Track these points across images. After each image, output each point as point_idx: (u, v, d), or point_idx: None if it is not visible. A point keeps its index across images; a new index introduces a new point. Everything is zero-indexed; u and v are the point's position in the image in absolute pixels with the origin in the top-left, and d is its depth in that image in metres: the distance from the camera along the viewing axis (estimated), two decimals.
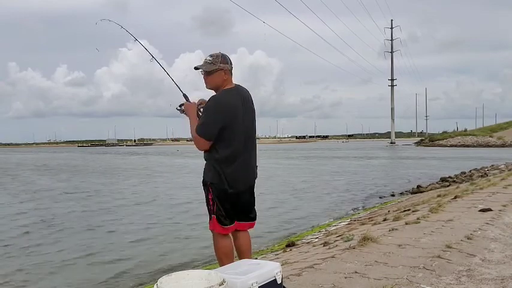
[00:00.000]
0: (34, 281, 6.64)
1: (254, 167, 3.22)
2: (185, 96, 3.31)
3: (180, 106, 3.22)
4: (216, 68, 3.02)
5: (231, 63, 3.11)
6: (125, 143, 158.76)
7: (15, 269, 7.17)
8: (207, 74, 3.06)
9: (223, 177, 3.00)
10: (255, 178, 3.25)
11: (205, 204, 3.13)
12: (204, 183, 3.13)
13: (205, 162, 3.14)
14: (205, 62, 3.05)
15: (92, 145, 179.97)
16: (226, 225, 3.09)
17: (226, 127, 2.97)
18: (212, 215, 3.09)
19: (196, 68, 3.08)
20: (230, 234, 3.17)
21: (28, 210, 13.37)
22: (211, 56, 3.06)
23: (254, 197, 3.27)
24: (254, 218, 3.26)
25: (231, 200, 3.07)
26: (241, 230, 3.21)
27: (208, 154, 3.07)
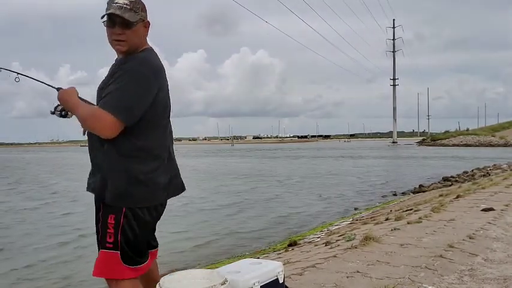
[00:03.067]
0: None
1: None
2: (59, 89, 2.09)
3: (56, 107, 2.08)
4: (139, 19, 1.99)
5: None
6: None
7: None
8: (127, 27, 1.95)
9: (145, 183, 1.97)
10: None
11: (102, 231, 1.99)
12: (103, 198, 1.97)
13: (99, 160, 2.01)
14: (122, 8, 1.94)
15: None
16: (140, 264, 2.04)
17: (155, 105, 1.98)
18: (115, 250, 1.97)
19: (111, 16, 1.94)
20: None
21: None
22: None
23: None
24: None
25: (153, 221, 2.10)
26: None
27: (114, 145, 1.94)
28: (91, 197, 2.06)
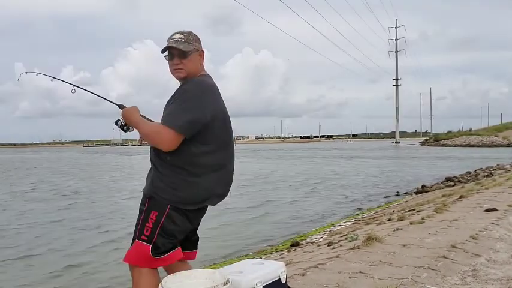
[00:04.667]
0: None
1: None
2: (121, 106, 2.37)
3: (117, 121, 2.32)
4: (193, 49, 2.25)
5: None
6: (129, 143, 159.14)
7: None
8: (183, 57, 2.22)
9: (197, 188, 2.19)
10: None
11: (142, 224, 2.19)
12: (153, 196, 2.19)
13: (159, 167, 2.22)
14: (178, 41, 2.23)
15: (97, 145, 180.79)
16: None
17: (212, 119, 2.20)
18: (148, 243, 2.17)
19: (168, 49, 2.24)
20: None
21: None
22: (181, 33, 2.27)
23: None
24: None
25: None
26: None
27: (171, 153, 2.15)
28: None
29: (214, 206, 2.29)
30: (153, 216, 2.14)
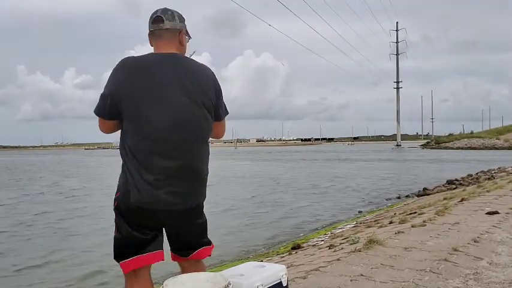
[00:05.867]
0: None
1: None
2: None
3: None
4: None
5: None
6: None
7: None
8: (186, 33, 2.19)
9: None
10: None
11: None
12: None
13: None
14: (180, 17, 2.15)
15: (99, 148, 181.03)
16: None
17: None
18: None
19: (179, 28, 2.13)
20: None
21: None
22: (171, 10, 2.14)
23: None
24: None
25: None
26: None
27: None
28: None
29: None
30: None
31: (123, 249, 2.03)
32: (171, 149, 1.99)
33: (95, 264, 7.41)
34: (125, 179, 2.01)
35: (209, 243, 2.25)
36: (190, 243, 2.20)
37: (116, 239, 2.06)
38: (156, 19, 2.10)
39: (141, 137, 1.98)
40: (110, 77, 2.04)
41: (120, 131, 2.10)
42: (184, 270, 2.19)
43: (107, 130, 2.15)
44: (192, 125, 2.03)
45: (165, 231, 2.14)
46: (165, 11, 2.12)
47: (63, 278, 6.84)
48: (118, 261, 2.05)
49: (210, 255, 2.25)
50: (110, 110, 2.03)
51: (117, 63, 2.05)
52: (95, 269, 7.14)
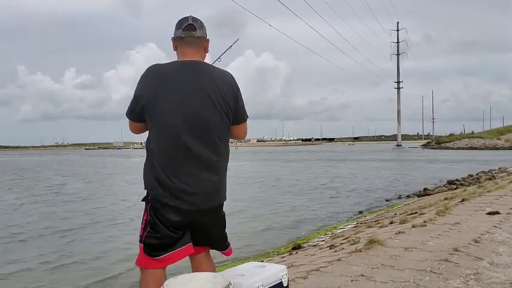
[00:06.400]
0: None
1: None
2: None
3: None
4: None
5: None
6: (131, 146, 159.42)
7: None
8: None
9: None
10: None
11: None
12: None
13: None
14: (203, 26, 2.24)
15: (99, 148, 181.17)
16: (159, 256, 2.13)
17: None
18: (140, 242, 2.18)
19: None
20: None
21: None
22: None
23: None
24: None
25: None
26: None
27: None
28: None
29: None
30: (144, 215, 2.17)
31: (156, 246, 2.12)
32: (191, 154, 2.10)
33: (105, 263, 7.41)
34: (154, 181, 2.11)
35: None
36: (222, 234, 2.43)
37: (147, 237, 2.13)
38: (189, 27, 2.18)
39: (162, 142, 2.12)
40: (138, 82, 2.20)
41: (147, 132, 2.24)
42: (197, 265, 2.35)
43: (136, 131, 2.32)
44: (211, 130, 2.14)
45: (195, 228, 2.23)
46: (195, 19, 2.21)
47: (71, 278, 6.84)
48: (153, 257, 2.12)
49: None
50: (137, 113, 2.19)
51: (145, 70, 2.20)
52: (103, 269, 7.15)
